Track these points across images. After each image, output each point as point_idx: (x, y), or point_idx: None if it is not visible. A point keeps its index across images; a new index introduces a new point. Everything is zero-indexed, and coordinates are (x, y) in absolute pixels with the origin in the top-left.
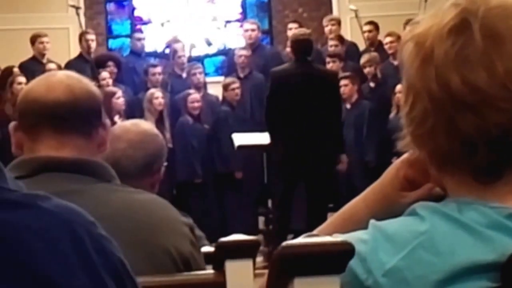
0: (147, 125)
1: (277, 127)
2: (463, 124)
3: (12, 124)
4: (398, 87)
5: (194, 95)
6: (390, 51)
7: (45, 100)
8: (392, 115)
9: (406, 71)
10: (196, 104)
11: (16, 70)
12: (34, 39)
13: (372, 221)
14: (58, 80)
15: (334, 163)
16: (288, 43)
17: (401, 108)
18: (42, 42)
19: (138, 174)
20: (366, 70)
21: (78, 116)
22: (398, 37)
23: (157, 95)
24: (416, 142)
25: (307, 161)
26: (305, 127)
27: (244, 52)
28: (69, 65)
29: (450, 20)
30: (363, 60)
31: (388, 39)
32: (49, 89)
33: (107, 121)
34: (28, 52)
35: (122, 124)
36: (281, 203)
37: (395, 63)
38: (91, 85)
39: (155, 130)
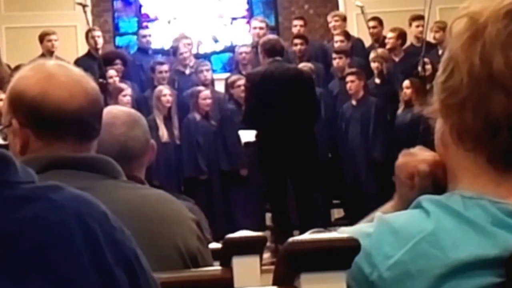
0: (125, 108)
1: (257, 127)
2: (493, 104)
3: (16, 124)
4: (406, 83)
5: (206, 92)
6: (388, 46)
7: (71, 108)
8: (399, 111)
9: (452, 43)
10: (208, 101)
11: None
12: (42, 37)
13: (378, 214)
14: (72, 79)
15: (315, 158)
16: (259, 48)
17: (437, 76)
18: (50, 40)
19: (142, 152)
20: (373, 65)
21: (96, 120)
22: (400, 33)
23: (165, 92)
24: (443, 111)
25: (288, 158)
26: (282, 124)
27: (244, 49)
28: (77, 63)
29: (509, 4)
30: (372, 55)
31: (390, 34)
32: (71, 95)
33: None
34: (36, 50)
35: (106, 112)
36: (276, 201)
37: (396, 59)
38: (89, 78)
39: (133, 110)
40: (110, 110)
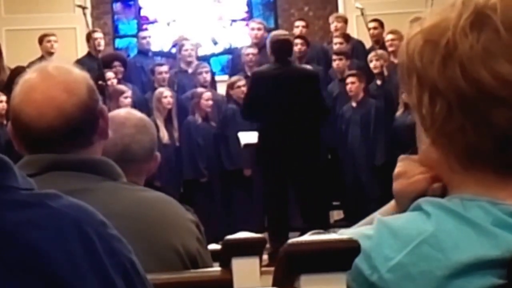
0: (139, 113)
1: (260, 127)
2: (496, 118)
3: (9, 127)
4: None
5: (207, 93)
6: (390, 49)
7: (38, 127)
8: (398, 113)
9: (421, 70)
10: (210, 102)
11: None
12: (41, 39)
13: (378, 216)
14: (47, 97)
15: (317, 161)
16: (268, 44)
17: (416, 108)
18: (49, 41)
19: (145, 159)
20: (373, 64)
21: (75, 136)
22: (401, 35)
23: (166, 94)
24: (439, 140)
25: (291, 160)
26: (285, 126)
27: (251, 51)
28: (78, 64)
29: (470, 15)
30: (371, 54)
31: (390, 36)
32: (40, 114)
33: (104, 107)
34: (36, 52)
35: (118, 112)
36: (275, 202)
37: (396, 61)
38: (82, 85)
39: (147, 117)
40: (119, 112)
